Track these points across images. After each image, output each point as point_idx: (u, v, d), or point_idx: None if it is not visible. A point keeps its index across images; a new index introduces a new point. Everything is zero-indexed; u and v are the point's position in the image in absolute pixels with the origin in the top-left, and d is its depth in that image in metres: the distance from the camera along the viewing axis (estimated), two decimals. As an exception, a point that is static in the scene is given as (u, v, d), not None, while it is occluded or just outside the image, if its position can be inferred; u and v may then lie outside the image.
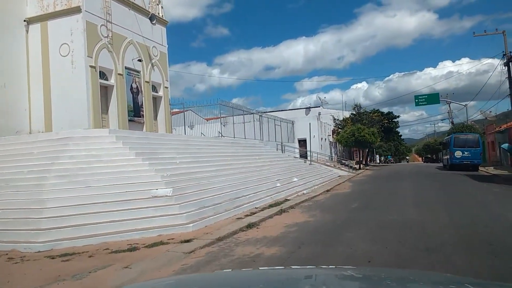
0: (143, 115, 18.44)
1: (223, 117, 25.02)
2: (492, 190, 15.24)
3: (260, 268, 3.43)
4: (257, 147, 23.79)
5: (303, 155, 32.31)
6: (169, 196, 9.92)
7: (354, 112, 42.84)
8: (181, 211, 9.23)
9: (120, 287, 3.77)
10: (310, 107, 48.28)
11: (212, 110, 25.22)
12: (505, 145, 28.24)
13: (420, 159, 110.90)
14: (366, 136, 33.90)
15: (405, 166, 44.46)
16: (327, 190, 17.26)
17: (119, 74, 17.01)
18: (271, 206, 11.97)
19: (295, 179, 18.67)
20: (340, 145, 38.94)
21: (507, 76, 21.46)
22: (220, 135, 23.52)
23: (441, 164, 44.19)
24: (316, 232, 7.99)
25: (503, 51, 21.23)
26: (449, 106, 50.73)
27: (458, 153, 28.54)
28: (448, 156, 29.94)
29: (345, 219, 9.35)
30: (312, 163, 28.27)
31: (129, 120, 17.44)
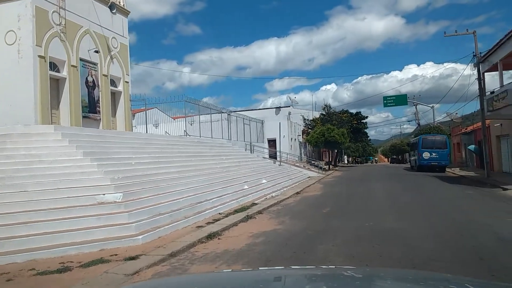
0: (99, 112, 16.87)
1: (191, 116, 23.73)
2: (466, 192, 14.88)
3: (260, 268, 3.33)
4: (225, 146, 22.66)
5: (273, 156, 31.47)
6: (118, 202, 8.64)
7: (324, 113, 42.51)
8: (131, 220, 7.98)
9: (120, 287, 3.34)
10: (280, 107, 47.58)
11: (181, 109, 23.88)
12: (471, 147, 28.53)
13: (386, 159, 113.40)
14: (336, 137, 33.52)
15: (373, 167, 44.62)
16: (297, 193, 16.39)
17: (73, 66, 15.41)
18: (236, 211, 10.89)
19: (264, 181, 17.70)
20: (309, 145, 38.41)
21: (476, 77, 21.48)
22: (185, 134, 22.21)
23: (408, 165, 44.63)
24: (285, 244, 6.99)
25: (473, 52, 21.20)
26: (416, 108, 51.56)
27: (426, 154, 28.57)
28: (416, 157, 29.97)
29: (317, 227, 8.41)
30: (281, 163, 27.45)
31: (84, 117, 15.87)
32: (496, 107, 18.86)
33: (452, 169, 29.92)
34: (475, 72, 21.66)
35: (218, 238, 7.56)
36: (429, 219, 8.94)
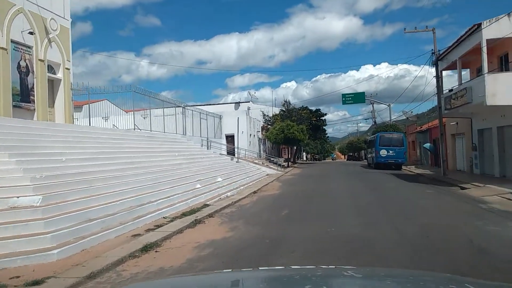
0: (33, 101, 14.91)
1: (144, 109, 21.99)
2: (427, 192, 14.51)
3: (260, 268, 3.26)
4: (178, 142, 21.18)
5: (231, 152, 30.32)
6: (36, 206, 7.11)
7: (284, 109, 41.88)
8: (47, 229, 6.50)
9: (120, 287, 3.25)
10: (239, 102, 46.50)
11: (138, 103, 22.08)
12: (427, 145, 28.90)
13: (343, 156, 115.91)
14: (296, 133, 32.91)
15: (331, 164, 44.66)
16: (254, 192, 15.34)
17: (2, 48, 13.39)
18: (184, 214, 9.62)
19: (219, 179, 16.49)
20: (269, 142, 37.59)
21: (434, 75, 21.50)
22: (135, 127, 20.47)
23: (365, 162, 45.07)
24: (236, 257, 5.86)
25: (432, 50, 21.13)
26: (373, 106, 52.32)
27: (383, 152, 28.59)
28: (374, 155, 29.98)
29: (274, 234, 7.35)
30: (239, 160, 26.34)
31: (14, 106, 13.92)
32: (454, 105, 18.81)
33: (408, 167, 30.23)
34: (433, 70, 21.66)
35: (156, 251, 6.28)
36: (395, 223, 8.16)
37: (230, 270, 3.64)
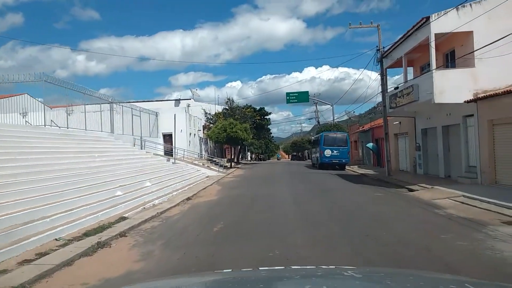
0: None
1: (73, 105, 19.01)
2: (376, 195, 13.47)
3: (260, 268, 2.70)
4: (103, 141, 18.51)
5: (169, 152, 27.93)
6: None
7: (227, 107, 40.05)
8: None
9: (120, 287, 3.14)
10: (180, 99, 43.91)
11: (72, 99, 19.04)
12: (370, 144, 28.63)
13: (287, 156, 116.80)
14: (239, 132, 31.24)
15: (275, 164, 43.63)
16: (188, 198, 13.35)
17: None
18: (87, 234, 7.43)
19: (148, 184, 14.28)
20: (211, 141, 35.55)
21: (379, 72, 20.94)
22: (51, 124, 17.47)
23: (309, 162, 44.60)
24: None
25: (376, 46, 20.51)
26: (316, 106, 52.27)
27: (327, 152, 27.85)
28: (318, 155, 29.19)
29: (201, 263, 5.49)
30: (176, 161, 24.09)
31: None
32: (399, 104, 18.19)
33: (351, 167, 29.83)
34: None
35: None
36: (352, 240, 6.69)
37: (230, 270, 3.36)
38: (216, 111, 40.61)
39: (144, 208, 11.10)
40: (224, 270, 2.71)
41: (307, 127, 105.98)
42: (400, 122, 23.38)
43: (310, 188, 16.07)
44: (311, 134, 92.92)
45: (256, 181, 20.31)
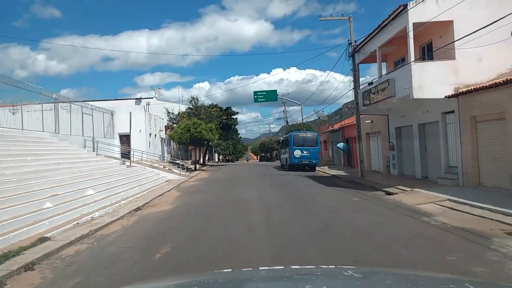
0: None
1: (19, 105, 16.48)
2: (352, 200, 12.04)
3: (260, 268, 2.90)
4: (43, 142, 16.13)
5: (126, 155, 25.58)
6: None
7: (191, 106, 37.92)
8: None
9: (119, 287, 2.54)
10: (141, 98, 41.36)
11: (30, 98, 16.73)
12: (340, 144, 27.51)
13: (255, 157, 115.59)
14: (203, 132, 29.27)
15: (243, 166, 41.93)
16: (138, 209, 11.36)
17: None
18: (-24, 269, 5.40)
19: (91, 192, 12.16)
20: (174, 142, 33.33)
21: (351, 68, 19.74)
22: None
23: (278, 163, 43.19)
24: None
25: (348, 40, 19.27)
26: (285, 105, 51.07)
27: (297, 152, 26.45)
28: (287, 155, 27.74)
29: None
30: (133, 164, 21.87)
31: None
32: (374, 100, 16.96)
33: (322, 167, 28.60)
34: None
35: None
36: (335, 264, 5.04)
37: (230, 270, 3.40)
38: (180, 111, 38.41)
39: (78, 223, 9.04)
40: (224, 270, 2.77)
41: (275, 127, 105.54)
42: (372, 121, 22.31)
43: (279, 192, 14.47)
44: (280, 134, 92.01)
45: (220, 185, 18.50)
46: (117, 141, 27.32)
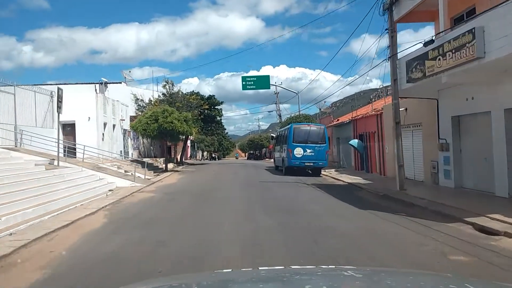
0: None
1: None
2: (449, 258, 5.57)
3: (260, 268, 2.84)
4: None
5: (73, 150, 18.89)
6: None
7: (165, 92, 31.11)
8: None
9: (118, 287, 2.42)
10: (106, 82, 34.24)
11: None
12: (354, 142, 21.11)
13: (243, 154, 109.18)
14: (175, 123, 22.58)
15: (228, 166, 35.28)
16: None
17: None
18: None
19: None
20: (142, 136, 26.43)
21: (386, 28, 13.29)
22: None
23: (269, 163, 36.58)
24: None
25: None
26: (277, 96, 44.53)
27: (298, 151, 19.94)
28: (285, 155, 21.17)
29: None
30: (68, 164, 15.17)
31: None
32: (433, 70, 10.52)
33: (327, 170, 22.14)
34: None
35: None
36: None
37: (230, 270, 3.37)
38: (152, 98, 31.56)
39: None
40: (224, 270, 2.84)
41: (264, 125, 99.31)
42: (406, 109, 15.91)
43: (281, 221, 7.96)
44: (270, 130, 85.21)
45: (184, 201, 11.88)
46: (55, 132, 20.40)
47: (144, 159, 28.61)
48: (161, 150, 39.51)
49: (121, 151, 25.21)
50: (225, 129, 79.66)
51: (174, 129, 22.64)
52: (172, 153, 39.27)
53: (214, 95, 35.46)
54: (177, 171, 26.21)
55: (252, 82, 33.29)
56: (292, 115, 33.58)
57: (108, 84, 33.55)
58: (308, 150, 19.86)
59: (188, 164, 37.53)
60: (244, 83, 33.27)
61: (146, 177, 19.55)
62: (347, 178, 18.40)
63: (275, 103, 45.05)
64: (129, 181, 16.30)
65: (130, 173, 19.13)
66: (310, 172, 21.36)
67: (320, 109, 31.41)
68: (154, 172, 23.42)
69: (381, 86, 24.88)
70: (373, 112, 20.34)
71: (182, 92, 31.69)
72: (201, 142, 56.30)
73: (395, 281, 1.92)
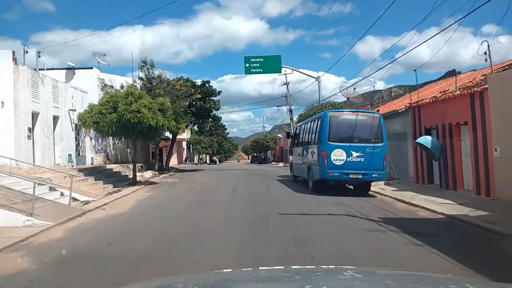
0: None
1: None
2: None
3: (260, 268, 2.92)
4: None
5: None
6: None
7: (142, 76, 23.35)
8: None
9: (118, 287, 2.57)
10: (75, 67, 26.48)
11: None
12: (425, 139, 13.15)
13: (246, 157, 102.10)
14: (144, 113, 14.82)
15: (227, 174, 27.44)
16: None
17: None
18: None
19: None
20: (98, 132, 18.56)
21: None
22: None
23: (280, 169, 28.60)
24: None
25: None
26: (287, 86, 36.68)
27: (338, 155, 12.00)
28: (314, 161, 13.13)
29: None
30: None
31: None
32: None
33: (372, 183, 14.16)
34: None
35: None
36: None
37: (230, 269, 3.34)
38: (126, 83, 23.77)
39: None
40: (224, 270, 2.69)
41: (267, 127, 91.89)
42: None
43: None
44: (277, 131, 76.52)
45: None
46: None
47: (113, 166, 20.95)
48: (145, 153, 31.84)
49: (69, 155, 17.44)
50: (226, 129, 72.12)
51: (142, 122, 14.86)
52: (164, 157, 31.56)
53: (209, 81, 27.63)
54: (152, 183, 18.41)
55: (258, 64, 25.44)
56: (311, 106, 25.33)
57: (76, 70, 25.91)
58: (355, 153, 11.96)
59: (177, 170, 29.75)
60: (247, 65, 25.43)
61: (88, 198, 11.82)
62: (426, 203, 10.52)
63: (285, 96, 37.13)
64: (25, 217, 8.40)
65: (60, 192, 11.44)
66: (352, 187, 13.55)
67: (348, 98, 23.46)
68: (114, 186, 15.72)
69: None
70: (462, 92, 12.47)
71: (166, 77, 23.89)
72: (197, 143, 48.54)
73: (395, 281, 1.93)
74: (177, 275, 3.61)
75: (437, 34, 15.59)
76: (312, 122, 14.31)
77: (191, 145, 51.31)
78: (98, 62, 30.62)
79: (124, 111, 14.67)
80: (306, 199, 11.88)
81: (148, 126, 15.19)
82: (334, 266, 2.82)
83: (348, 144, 12.07)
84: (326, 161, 12.04)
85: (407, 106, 16.20)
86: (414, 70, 16.44)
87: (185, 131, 41.76)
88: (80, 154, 18.99)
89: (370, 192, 13.08)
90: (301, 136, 16.06)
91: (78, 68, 26.41)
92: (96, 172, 16.81)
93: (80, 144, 19.21)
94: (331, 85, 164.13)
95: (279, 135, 60.59)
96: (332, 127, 12.29)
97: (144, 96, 15.74)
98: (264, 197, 12.44)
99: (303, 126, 16.05)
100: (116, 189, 15.31)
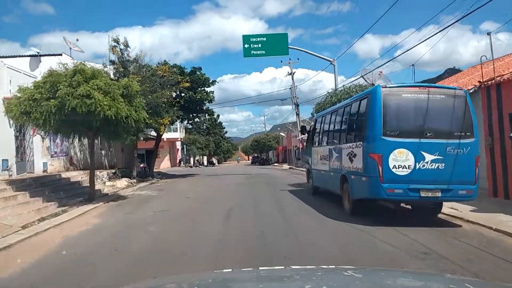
0: None
1: None
2: None
3: (260, 268, 2.61)
4: None
5: None
6: None
7: (114, 59, 18.61)
8: None
9: (118, 287, 2.85)
10: (41, 55, 21.76)
11: None
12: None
13: (246, 157, 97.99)
14: (96, 98, 10.06)
15: (223, 182, 22.68)
16: None
17: None
18: None
19: None
20: (37, 126, 13.77)
21: None
22: None
23: (291, 176, 23.56)
24: None
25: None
26: (292, 77, 31.93)
27: (401, 158, 7.21)
28: (360, 169, 8.15)
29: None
30: None
31: None
32: None
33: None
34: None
35: None
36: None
37: (230, 269, 3.25)
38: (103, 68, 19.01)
39: None
40: (224, 270, 2.67)
41: (267, 127, 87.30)
42: None
43: None
44: (279, 129, 70.73)
45: None
46: None
47: (75, 174, 16.15)
48: (128, 156, 26.97)
49: (4, 161, 12.65)
50: (224, 128, 67.25)
51: (94, 112, 10.08)
52: (155, 161, 26.74)
53: (200, 68, 22.76)
54: (119, 198, 13.61)
55: (260, 45, 20.60)
56: (333, 92, 20.31)
57: (42, 58, 21.21)
58: (429, 156, 7.18)
59: (164, 176, 24.94)
60: (247, 46, 20.60)
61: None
62: None
63: (290, 88, 32.36)
64: None
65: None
66: (410, 207, 8.77)
67: (372, 84, 18.70)
68: (60, 205, 10.98)
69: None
70: None
71: (146, 62, 19.07)
72: (192, 143, 43.69)
73: (395, 281, 1.92)
74: (177, 275, 3.56)
75: (451, 24, 10.83)
76: (348, 107, 9.36)
77: (185, 145, 46.46)
78: (70, 48, 25.75)
79: (65, 96, 9.91)
80: (352, 236, 6.93)
81: (104, 118, 10.42)
82: (334, 266, 2.58)
83: (417, 140, 7.27)
84: (380, 169, 7.22)
85: (476, 86, 11.40)
86: (412, 65, 13.22)
87: (177, 129, 36.93)
88: (24, 159, 14.20)
89: (440, 215, 8.33)
90: (326, 130, 11.21)
91: (44, 55, 21.67)
92: (39, 185, 12.05)
93: (26, 145, 14.42)
94: (331, 84, 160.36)
95: (281, 133, 55.80)
96: (389, 112, 7.46)
97: (100, 76, 10.98)
98: (281, 237, 6.91)
99: (328, 116, 11.12)
100: (59, 209, 10.56)
